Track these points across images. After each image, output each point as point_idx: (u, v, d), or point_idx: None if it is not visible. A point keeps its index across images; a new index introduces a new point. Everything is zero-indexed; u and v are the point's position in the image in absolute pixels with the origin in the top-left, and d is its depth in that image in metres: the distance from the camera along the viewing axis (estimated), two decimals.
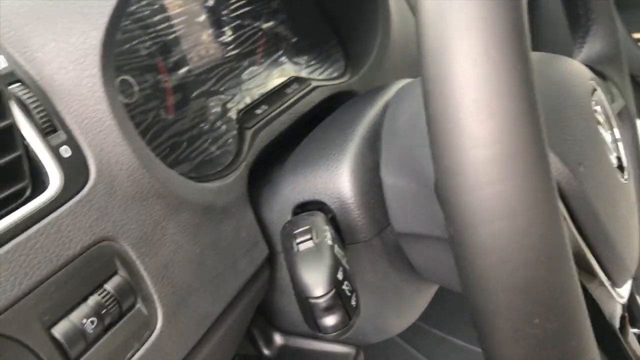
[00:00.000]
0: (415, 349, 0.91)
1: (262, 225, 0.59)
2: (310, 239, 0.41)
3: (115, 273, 0.42)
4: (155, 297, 0.44)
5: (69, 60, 0.42)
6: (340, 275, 0.38)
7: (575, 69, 0.56)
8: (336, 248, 0.41)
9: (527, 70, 0.30)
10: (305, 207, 0.57)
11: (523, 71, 0.30)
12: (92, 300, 0.40)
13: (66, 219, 0.39)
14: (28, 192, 0.39)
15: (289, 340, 0.66)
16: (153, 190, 0.45)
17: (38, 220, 0.38)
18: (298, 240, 0.41)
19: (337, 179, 0.54)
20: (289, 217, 0.57)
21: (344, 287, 0.38)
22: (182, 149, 0.57)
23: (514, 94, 0.30)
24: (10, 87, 0.40)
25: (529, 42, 0.30)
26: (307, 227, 0.42)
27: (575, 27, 0.65)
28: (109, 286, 0.41)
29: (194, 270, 0.48)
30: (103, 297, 0.40)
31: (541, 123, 0.30)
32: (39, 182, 0.40)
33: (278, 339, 0.66)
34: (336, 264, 0.38)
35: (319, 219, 0.44)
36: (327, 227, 0.42)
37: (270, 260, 0.61)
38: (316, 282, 0.36)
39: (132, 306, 0.43)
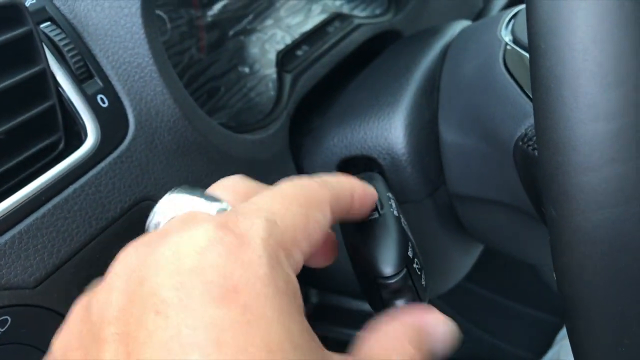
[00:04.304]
0: (454, 309, 0.90)
1: None
2: (375, 209, 0.36)
3: None
4: None
5: None
6: (410, 253, 0.34)
7: None
8: (402, 219, 0.37)
9: None
10: (351, 162, 0.53)
11: None
12: None
13: (105, 177, 0.35)
14: (61, 146, 0.36)
15: (324, 297, 0.63)
16: (195, 144, 0.41)
17: (76, 179, 0.34)
18: None
19: (390, 133, 0.49)
20: (333, 173, 0.53)
21: (415, 265, 0.34)
22: (220, 95, 0.52)
23: None
24: (40, 27, 0.35)
25: None
26: None
27: None
28: None
29: None
30: None
31: None
32: (73, 135, 0.36)
33: (313, 296, 0.63)
34: (406, 240, 0.34)
35: (381, 184, 0.40)
36: (390, 195, 0.38)
37: None
38: (386, 260, 0.33)
39: None
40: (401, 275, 0.32)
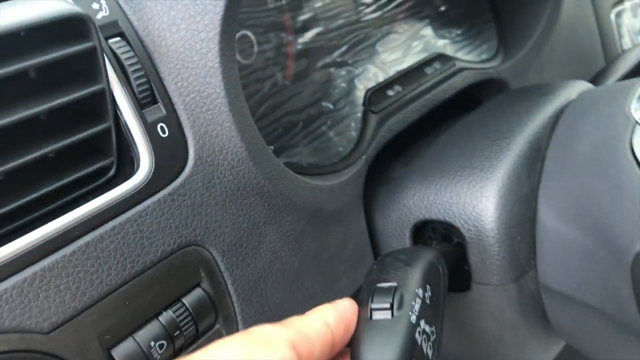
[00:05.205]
0: None
1: (371, 235, 0.49)
2: (390, 307, 0.31)
3: (197, 285, 0.34)
4: (239, 317, 0.36)
5: (183, 16, 0.33)
6: None
7: None
8: (422, 326, 0.31)
9: None
10: (429, 225, 0.47)
11: None
12: (165, 317, 0.32)
13: (150, 216, 0.32)
14: (112, 172, 0.32)
15: None
16: (257, 188, 0.37)
17: (117, 215, 0.31)
18: (374, 305, 0.31)
19: (480, 202, 0.43)
20: (407, 234, 0.47)
21: None
22: (297, 131, 0.48)
23: None
24: (109, 41, 0.32)
25: None
26: (394, 284, 0.32)
27: None
28: (187, 301, 0.33)
29: (288, 288, 0.40)
30: (179, 315, 0.33)
31: None
32: (126, 162, 0.33)
33: None
34: (408, 356, 0.29)
35: (416, 273, 0.34)
36: (420, 291, 0.33)
37: None
38: None
39: (211, 327, 0.35)
40: None
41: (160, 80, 0.33)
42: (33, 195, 0.29)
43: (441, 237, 0.47)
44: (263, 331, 0.26)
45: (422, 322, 0.32)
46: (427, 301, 0.33)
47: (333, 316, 0.30)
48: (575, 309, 0.41)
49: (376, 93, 0.54)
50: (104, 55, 0.30)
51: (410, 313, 0.31)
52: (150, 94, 0.32)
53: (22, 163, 0.28)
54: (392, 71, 0.57)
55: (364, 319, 0.31)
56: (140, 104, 0.32)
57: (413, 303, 0.32)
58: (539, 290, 0.44)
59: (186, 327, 0.33)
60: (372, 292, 0.32)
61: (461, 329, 0.48)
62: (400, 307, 0.31)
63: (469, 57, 0.66)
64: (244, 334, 0.26)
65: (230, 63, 0.34)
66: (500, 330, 0.46)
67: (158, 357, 0.31)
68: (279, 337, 0.26)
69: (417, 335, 0.31)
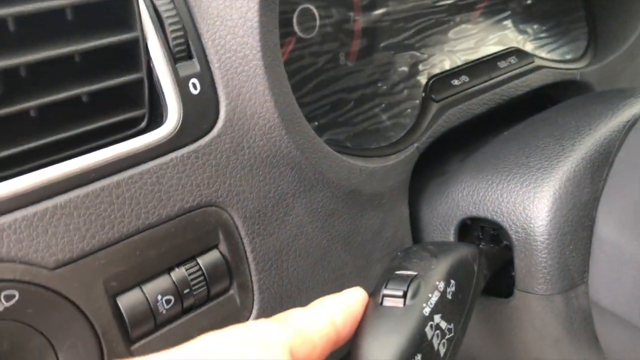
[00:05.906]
0: None
1: (415, 227, 0.47)
2: (403, 296, 0.29)
3: (214, 247, 0.34)
4: (255, 286, 0.35)
5: None
6: None
7: None
8: (435, 320, 0.29)
9: None
10: (478, 223, 0.44)
11: None
12: (177, 273, 0.32)
13: (172, 170, 0.31)
14: (144, 123, 0.32)
15: None
16: (288, 158, 0.36)
17: (137, 164, 0.31)
18: (387, 291, 0.29)
19: (532, 204, 0.40)
20: (452, 229, 0.45)
21: None
22: (346, 110, 0.46)
23: None
24: None
25: None
26: (413, 273, 0.30)
27: None
28: (202, 261, 0.33)
29: (312, 265, 0.38)
30: (191, 273, 0.32)
31: None
32: (159, 116, 0.33)
33: None
34: (414, 349, 0.27)
35: (440, 266, 0.31)
36: (441, 284, 0.30)
37: None
38: None
39: (224, 291, 0.34)
40: None
41: (198, 36, 0.33)
42: (62, 135, 0.29)
43: (490, 239, 0.44)
44: (260, 329, 0.24)
45: (437, 317, 0.29)
46: (448, 296, 0.31)
47: (341, 313, 0.27)
48: (627, 332, 0.37)
49: (440, 81, 0.51)
50: (140, 3, 0.30)
51: (424, 305, 0.29)
52: (185, 48, 0.32)
53: (55, 100, 0.29)
54: (461, 61, 0.54)
55: (374, 304, 0.29)
56: (175, 58, 0.32)
57: (430, 295, 0.30)
58: (590, 307, 0.40)
59: (197, 287, 0.32)
60: (388, 278, 0.31)
61: (500, 337, 0.44)
62: (414, 296, 0.29)
63: (549, 56, 0.61)
64: (241, 329, 0.24)
65: (269, 25, 0.33)
66: (542, 343, 0.42)
67: (164, 311, 0.31)
68: (277, 339, 0.24)
69: (427, 328, 0.28)
